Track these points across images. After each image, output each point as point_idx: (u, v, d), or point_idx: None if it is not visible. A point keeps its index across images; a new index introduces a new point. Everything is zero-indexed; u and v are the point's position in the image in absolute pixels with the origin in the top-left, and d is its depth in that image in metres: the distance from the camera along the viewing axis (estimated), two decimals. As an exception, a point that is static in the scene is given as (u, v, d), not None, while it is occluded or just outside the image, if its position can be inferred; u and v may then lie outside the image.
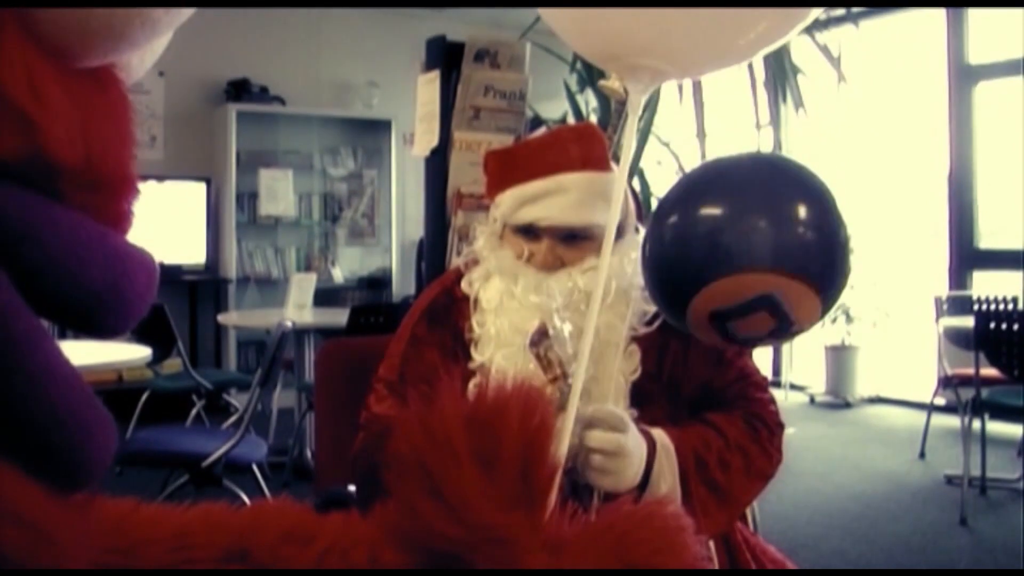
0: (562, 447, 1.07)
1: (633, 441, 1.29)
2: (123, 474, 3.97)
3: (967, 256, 5.99)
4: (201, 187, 6.27)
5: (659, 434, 1.36)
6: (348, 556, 0.80)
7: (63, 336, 2.55)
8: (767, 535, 1.72)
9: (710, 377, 1.48)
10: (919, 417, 5.25)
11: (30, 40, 0.67)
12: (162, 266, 0.83)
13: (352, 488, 1.56)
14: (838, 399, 6.47)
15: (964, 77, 5.99)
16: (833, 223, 1.19)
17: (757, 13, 1.03)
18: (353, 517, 0.87)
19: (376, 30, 6.87)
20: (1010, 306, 4.63)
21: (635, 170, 3.59)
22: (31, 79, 0.66)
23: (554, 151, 1.44)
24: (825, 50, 3.74)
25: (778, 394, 6.46)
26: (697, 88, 3.61)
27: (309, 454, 4.51)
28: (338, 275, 6.86)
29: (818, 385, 6.68)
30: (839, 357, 6.53)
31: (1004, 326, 3.64)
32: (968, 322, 4.02)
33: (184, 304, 6.08)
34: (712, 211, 1.21)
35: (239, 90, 6.36)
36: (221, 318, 5.28)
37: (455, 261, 1.58)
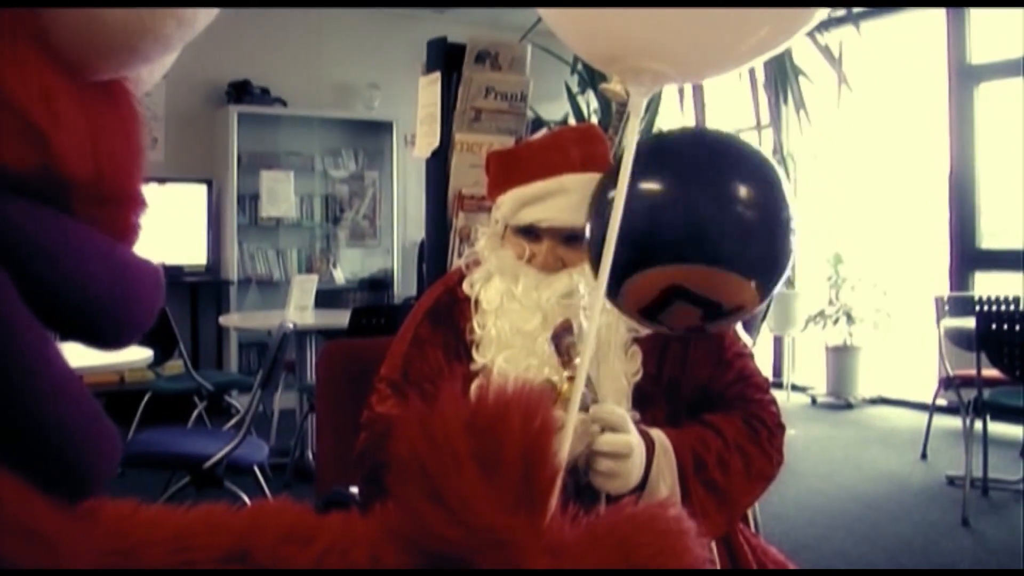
0: (564, 448, 1.07)
1: (635, 441, 1.29)
2: (124, 476, 3.97)
3: (968, 257, 5.99)
4: (202, 189, 6.27)
5: (657, 434, 1.36)
6: (348, 556, 0.80)
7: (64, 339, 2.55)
8: (768, 536, 1.72)
9: (709, 378, 1.47)
10: (921, 418, 5.24)
11: (44, 54, 0.67)
12: (163, 268, 0.83)
13: (354, 489, 1.56)
14: (840, 400, 6.47)
15: (965, 77, 5.98)
16: (735, 200, 1.15)
17: (760, 14, 1.03)
18: (353, 517, 0.87)
19: (377, 32, 6.88)
20: (1011, 307, 4.63)
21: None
22: (45, 94, 0.66)
23: (555, 152, 1.44)
24: (826, 51, 3.74)
25: (780, 395, 6.46)
26: (698, 90, 3.61)
27: (310, 455, 4.51)
28: (339, 276, 6.86)
29: (820, 386, 6.67)
30: (841, 358, 6.53)
31: (1005, 327, 3.64)
32: (969, 323, 4.01)
33: (185, 306, 6.08)
34: (630, 203, 1.13)
35: (240, 92, 6.36)
36: (222, 320, 5.28)
37: (456, 262, 1.58)
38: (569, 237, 1.42)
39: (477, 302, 1.47)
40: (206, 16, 0.74)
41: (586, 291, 1.38)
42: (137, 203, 0.77)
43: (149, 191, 0.79)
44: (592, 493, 1.28)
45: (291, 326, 3.59)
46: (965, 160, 5.98)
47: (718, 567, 1.39)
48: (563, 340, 1.26)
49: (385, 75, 6.77)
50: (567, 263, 1.43)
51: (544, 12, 1.13)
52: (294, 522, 0.84)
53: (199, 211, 6.24)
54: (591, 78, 3.63)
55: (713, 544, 1.38)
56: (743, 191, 1.16)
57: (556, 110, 5.52)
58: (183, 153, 6.29)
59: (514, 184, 1.45)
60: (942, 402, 4.92)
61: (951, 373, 4.44)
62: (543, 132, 1.66)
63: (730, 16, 1.01)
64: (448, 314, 1.52)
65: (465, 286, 1.50)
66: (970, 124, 5.97)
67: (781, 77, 3.64)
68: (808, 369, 6.90)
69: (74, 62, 0.70)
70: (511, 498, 0.77)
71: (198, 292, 6.21)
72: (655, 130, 3.67)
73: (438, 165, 2.44)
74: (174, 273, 5.86)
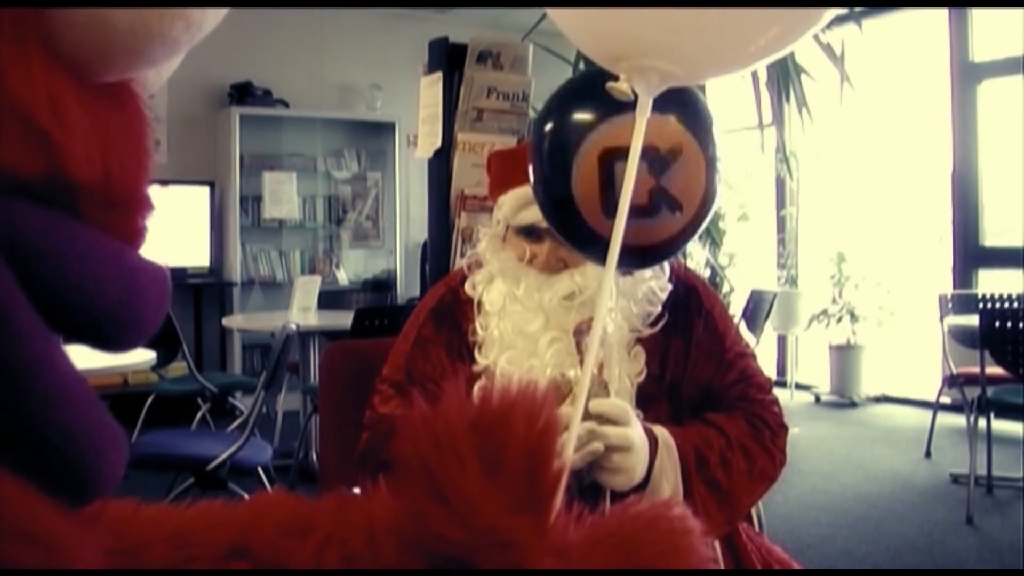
0: (569, 448, 1.07)
1: (638, 435, 1.29)
2: (128, 477, 3.95)
3: (972, 255, 5.98)
4: (205, 191, 6.28)
5: (661, 431, 1.36)
6: (348, 544, 0.80)
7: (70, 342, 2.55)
8: (773, 535, 1.72)
9: (711, 378, 1.47)
10: (925, 416, 5.24)
11: (51, 57, 0.67)
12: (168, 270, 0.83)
13: (357, 491, 1.56)
14: (843, 398, 6.46)
15: (968, 75, 5.98)
16: None
17: (770, 15, 1.02)
18: (345, 500, 0.87)
19: (379, 32, 6.88)
20: (1015, 304, 4.62)
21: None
22: (51, 97, 0.66)
23: (557, 152, 1.44)
24: (828, 49, 3.73)
25: (783, 394, 6.47)
26: (700, 89, 3.61)
27: (314, 456, 4.51)
28: (342, 277, 6.86)
29: (823, 384, 6.67)
30: (844, 356, 6.52)
31: (1009, 324, 3.63)
32: (973, 321, 4.01)
33: (189, 307, 6.09)
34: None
35: (242, 93, 6.37)
36: (226, 321, 5.29)
37: (459, 263, 1.58)
38: (570, 237, 1.42)
39: (479, 304, 1.47)
40: (213, 19, 0.74)
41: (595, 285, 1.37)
42: (144, 206, 0.77)
43: (151, 193, 0.79)
44: (596, 492, 1.28)
45: (294, 327, 3.59)
46: (968, 158, 5.97)
47: (722, 567, 1.39)
48: (585, 338, 1.27)
49: (387, 76, 6.78)
50: (568, 264, 1.43)
51: (551, 11, 1.13)
52: (290, 513, 0.84)
53: (202, 213, 6.25)
54: (592, 78, 3.62)
55: (717, 544, 1.38)
56: None
57: (558, 110, 5.51)
58: (185, 155, 6.29)
59: (515, 184, 1.45)
60: (946, 400, 4.91)
61: (955, 371, 4.44)
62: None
63: (739, 16, 1.00)
64: (451, 314, 1.51)
65: (467, 287, 1.50)
66: (972, 122, 5.96)
67: (783, 75, 3.64)
68: (812, 368, 6.90)
69: (80, 64, 0.70)
70: (515, 499, 0.77)
71: (201, 294, 6.22)
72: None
73: (440, 165, 2.44)
74: (177, 275, 5.86)
